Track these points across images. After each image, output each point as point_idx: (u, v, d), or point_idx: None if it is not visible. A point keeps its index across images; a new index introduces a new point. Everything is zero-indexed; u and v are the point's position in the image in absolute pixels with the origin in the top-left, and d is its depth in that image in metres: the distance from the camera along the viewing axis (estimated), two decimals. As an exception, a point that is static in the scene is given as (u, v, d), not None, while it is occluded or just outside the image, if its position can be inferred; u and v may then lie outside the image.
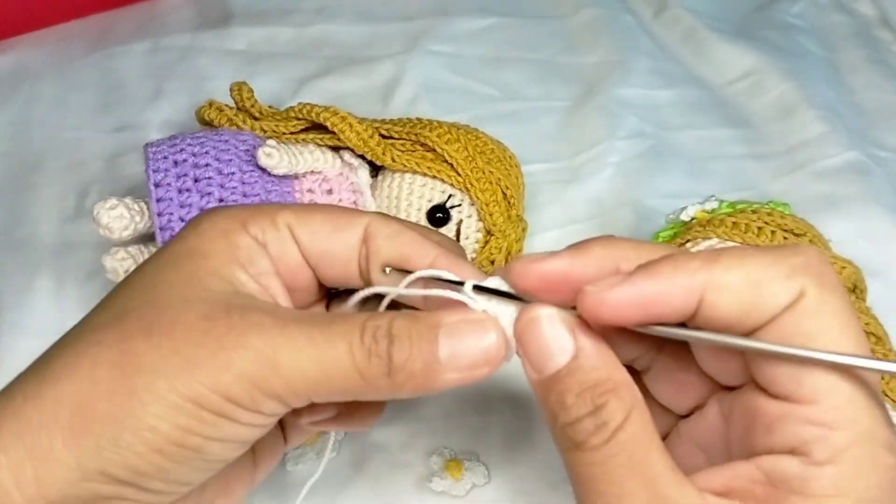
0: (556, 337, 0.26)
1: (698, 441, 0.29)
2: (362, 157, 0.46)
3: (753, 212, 0.42)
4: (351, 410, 0.32)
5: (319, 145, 0.46)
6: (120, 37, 0.66)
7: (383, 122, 0.47)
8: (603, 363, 0.26)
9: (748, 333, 0.25)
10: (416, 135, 0.45)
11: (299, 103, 0.46)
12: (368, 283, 0.31)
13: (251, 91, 0.48)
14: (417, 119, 0.48)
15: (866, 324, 0.41)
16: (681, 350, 0.29)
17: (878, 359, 0.23)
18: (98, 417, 0.25)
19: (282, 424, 0.33)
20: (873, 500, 0.23)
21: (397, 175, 0.46)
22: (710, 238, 0.42)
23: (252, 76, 0.60)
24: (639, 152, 0.57)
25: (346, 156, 0.46)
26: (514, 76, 0.63)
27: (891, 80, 0.63)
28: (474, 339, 0.27)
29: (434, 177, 0.45)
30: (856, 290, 0.42)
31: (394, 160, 0.45)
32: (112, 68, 0.63)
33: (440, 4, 0.69)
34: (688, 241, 0.43)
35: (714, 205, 0.44)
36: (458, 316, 0.28)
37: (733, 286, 0.24)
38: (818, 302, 0.24)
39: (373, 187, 0.46)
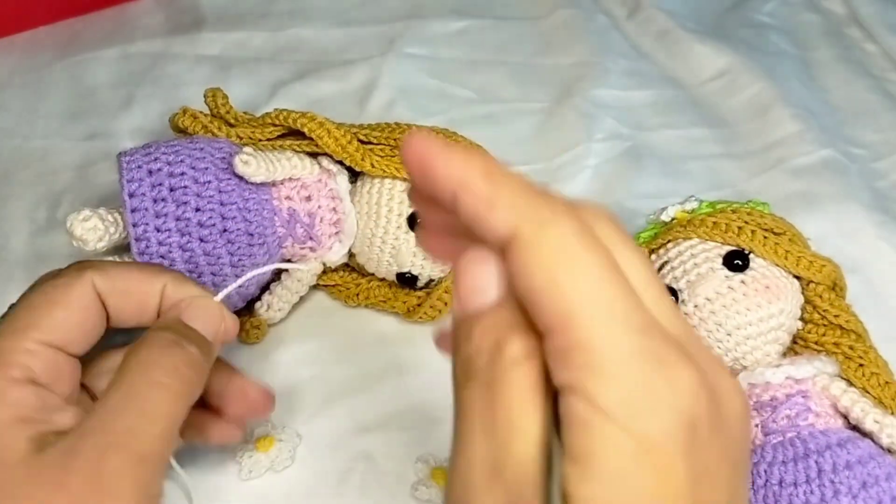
0: (488, 280, 0.24)
1: None
2: (341, 162, 0.45)
3: (733, 211, 0.42)
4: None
5: (297, 151, 0.45)
6: (89, 43, 0.65)
7: (361, 127, 0.47)
8: (516, 315, 0.24)
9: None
10: (395, 140, 0.45)
11: (275, 109, 0.46)
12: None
13: (226, 97, 0.47)
14: (396, 124, 0.47)
15: (846, 321, 0.41)
16: None
17: None
18: None
19: None
20: (638, 409, 0.21)
21: (377, 181, 0.45)
22: (690, 238, 0.42)
23: (226, 82, 0.60)
24: (616, 154, 0.57)
25: (325, 162, 0.45)
26: (490, 78, 0.63)
27: (862, 77, 0.63)
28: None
29: (414, 182, 0.45)
30: (835, 288, 0.42)
31: (373, 166, 0.44)
32: (82, 75, 0.62)
33: (414, 7, 0.69)
34: (669, 241, 0.43)
35: (694, 205, 0.44)
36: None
37: (480, 193, 0.23)
38: (527, 246, 0.23)
39: (352, 193, 0.46)
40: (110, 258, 0.43)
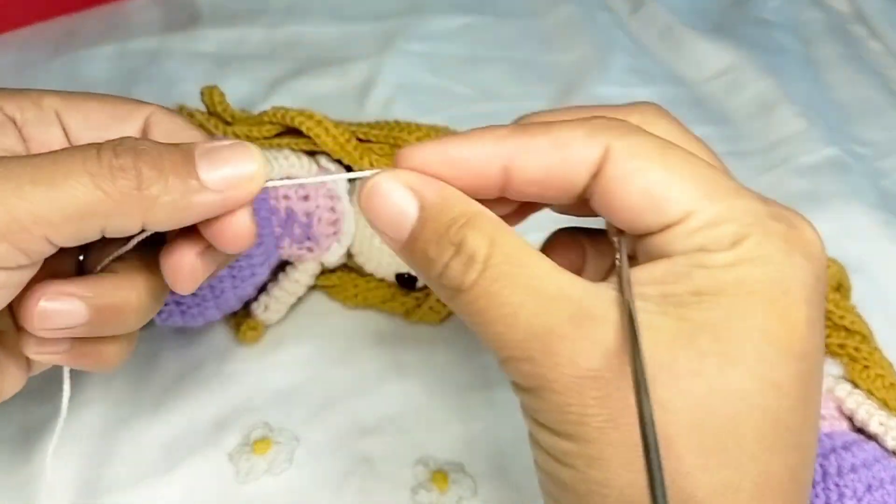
0: (398, 198, 0.26)
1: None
2: (339, 161, 0.45)
3: (737, 211, 0.42)
4: (86, 344, 0.29)
5: (294, 150, 0.45)
6: (85, 40, 0.64)
7: (360, 125, 0.46)
8: (450, 204, 0.26)
9: (574, 194, 0.26)
10: (394, 138, 0.45)
11: (273, 107, 0.45)
12: None
13: (222, 95, 0.47)
14: (395, 122, 0.47)
15: (851, 322, 0.40)
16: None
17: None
18: None
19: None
20: (778, 260, 0.24)
21: (375, 180, 0.45)
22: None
23: (222, 79, 0.59)
24: (619, 151, 0.56)
25: (323, 160, 0.45)
26: (491, 75, 0.63)
27: (867, 75, 0.63)
28: (236, 155, 0.26)
29: (413, 181, 0.44)
30: (840, 288, 0.42)
31: (372, 165, 0.44)
32: (77, 73, 0.62)
33: (414, 3, 0.69)
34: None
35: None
36: (215, 142, 0.27)
37: (539, 148, 0.25)
38: (626, 147, 0.25)
39: (350, 193, 0.45)
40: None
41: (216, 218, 0.27)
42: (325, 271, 0.46)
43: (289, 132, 0.45)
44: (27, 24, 0.65)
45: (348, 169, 0.46)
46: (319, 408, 0.42)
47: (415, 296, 0.46)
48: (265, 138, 0.45)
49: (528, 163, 0.25)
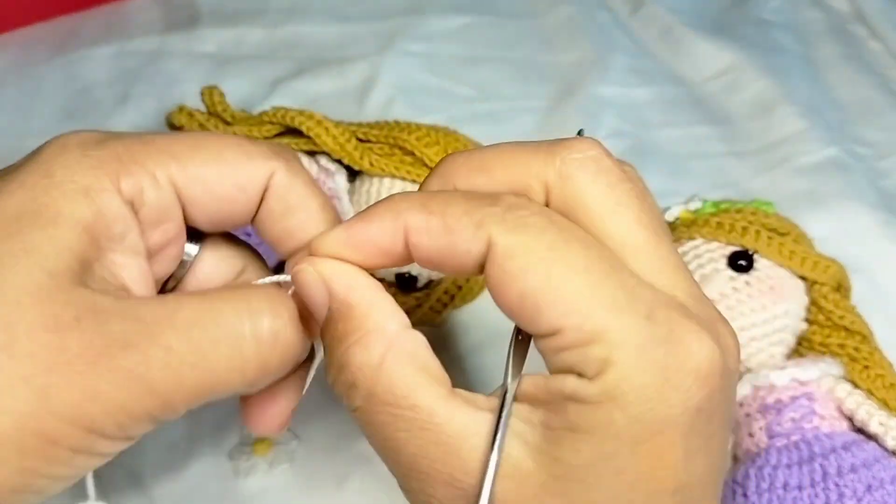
0: (315, 292, 0.25)
1: None
2: (339, 161, 0.45)
3: (737, 211, 0.42)
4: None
5: (295, 150, 0.45)
6: (84, 40, 0.64)
7: (360, 125, 0.47)
8: (349, 312, 0.24)
9: (470, 275, 0.26)
10: (394, 138, 0.45)
11: (273, 107, 0.45)
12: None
13: (222, 95, 0.47)
14: (395, 122, 0.47)
15: (851, 322, 0.40)
16: None
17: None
18: None
19: None
20: (646, 396, 0.22)
21: (375, 180, 0.45)
22: (694, 238, 0.42)
23: (222, 79, 0.59)
24: (619, 151, 0.55)
25: (323, 160, 0.45)
26: (491, 76, 0.63)
27: (867, 75, 0.63)
28: None
29: (413, 181, 0.44)
30: (840, 288, 0.42)
31: (372, 164, 0.44)
32: (77, 73, 0.62)
33: (413, 3, 0.68)
34: (672, 241, 0.42)
35: (698, 204, 0.43)
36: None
37: (431, 231, 0.24)
38: (507, 246, 0.22)
39: (350, 192, 0.45)
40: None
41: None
42: (325, 271, 0.46)
43: (289, 132, 0.45)
44: (27, 24, 0.65)
45: (348, 168, 0.46)
46: (319, 407, 0.42)
47: (415, 296, 0.46)
48: (265, 138, 0.45)
49: (421, 243, 0.24)
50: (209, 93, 0.47)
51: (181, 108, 0.47)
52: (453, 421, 0.23)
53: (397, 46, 0.64)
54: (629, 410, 0.21)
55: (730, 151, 0.57)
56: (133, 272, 0.25)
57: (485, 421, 0.23)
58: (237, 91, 0.58)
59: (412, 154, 0.45)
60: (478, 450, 0.22)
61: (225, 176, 0.26)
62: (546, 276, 0.22)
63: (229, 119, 0.46)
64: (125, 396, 0.22)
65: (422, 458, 0.23)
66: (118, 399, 0.22)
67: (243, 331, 0.24)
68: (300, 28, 0.66)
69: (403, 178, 0.44)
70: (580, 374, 0.22)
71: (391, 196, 0.25)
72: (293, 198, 0.27)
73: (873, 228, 0.50)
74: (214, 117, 0.46)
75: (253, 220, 0.28)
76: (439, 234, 0.24)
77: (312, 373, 0.30)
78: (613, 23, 0.67)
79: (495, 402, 0.24)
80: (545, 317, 0.22)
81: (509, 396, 0.23)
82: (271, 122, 0.45)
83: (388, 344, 0.23)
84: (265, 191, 0.27)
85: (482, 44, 0.65)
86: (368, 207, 0.25)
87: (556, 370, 0.23)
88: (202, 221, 0.27)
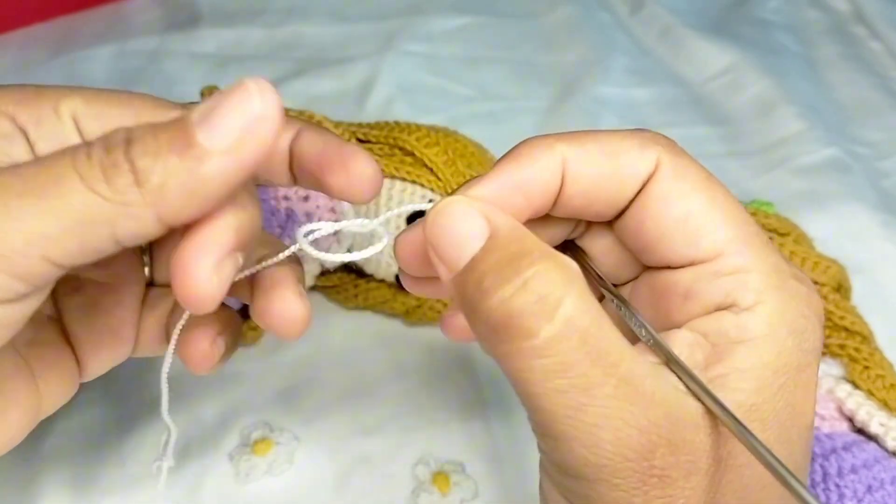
0: (469, 222, 0.23)
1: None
2: (339, 162, 0.45)
3: (738, 212, 0.42)
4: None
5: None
6: (85, 40, 0.64)
7: (360, 125, 0.46)
8: (522, 236, 0.23)
9: (617, 209, 0.25)
10: (394, 139, 0.44)
11: (273, 108, 0.45)
12: None
13: (222, 95, 0.47)
14: (395, 122, 0.47)
15: (851, 323, 0.40)
16: (604, 228, 0.27)
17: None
18: None
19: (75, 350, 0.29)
20: (799, 328, 0.23)
21: (375, 180, 0.45)
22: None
23: (222, 79, 0.59)
24: (619, 152, 0.56)
25: (323, 161, 0.45)
26: (491, 76, 0.63)
27: (867, 75, 0.63)
28: (232, 104, 0.21)
29: (413, 181, 0.44)
30: (840, 288, 0.42)
31: (371, 165, 0.44)
32: (77, 73, 0.62)
33: (413, 3, 0.68)
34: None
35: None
36: (210, 100, 0.22)
37: (592, 157, 0.24)
38: (674, 166, 0.24)
39: (350, 193, 0.45)
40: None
41: (264, 302, 0.27)
42: (325, 272, 0.46)
43: (289, 132, 0.45)
44: (27, 24, 0.65)
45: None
46: (320, 408, 0.42)
47: (415, 296, 0.46)
48: (265, 139, 0.45)
49: (580, 171, 0.24)
50: (209, 93, 0.47)
51: (181, 109, 0.46)
52: (649, 374, 0.22)
53: (397, 46, 0.64)
54: (791, 340, 0.23)
55: (730, 152, 0.57)
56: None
57: (666, 372, 0.23)
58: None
59: (412, 154, 0.44)
60: (696, 421, 0.22)
61: (126, 116, 0.25)
62: (712, 199, 0.23)
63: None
64: None
65: (629, 444, 0.21)
66: None
67: (81, 157, 0.21)
68: (300, 28, 0.66)
69: (403, 179, 0.44)
70: (734, 304, 0.23)
71: (532, 139, 0.25)
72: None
73: (873, 229, 0.50)
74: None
75: None
76: (601, 159, 0.24)
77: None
78: (613, 23, 0.67)
79: (648, 355, 0.23)
80: (709, 238, 0.23)
81: (674, 353, 0.23)
82: (271, 123, 0.45)
83: (572, 268, 0.22)
84: None
85: (482, 44, 0.65)
86: (509, 152, 0.25)
87: (703, 300, 0.23)
88: None
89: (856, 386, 0.39)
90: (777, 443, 0.23)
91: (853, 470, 0.35)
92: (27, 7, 0.65)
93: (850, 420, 0.38)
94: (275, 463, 0.40)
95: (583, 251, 0.28)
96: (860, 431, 0.38)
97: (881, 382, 0.39)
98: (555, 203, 0.25)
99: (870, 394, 0.39)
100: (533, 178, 0.24)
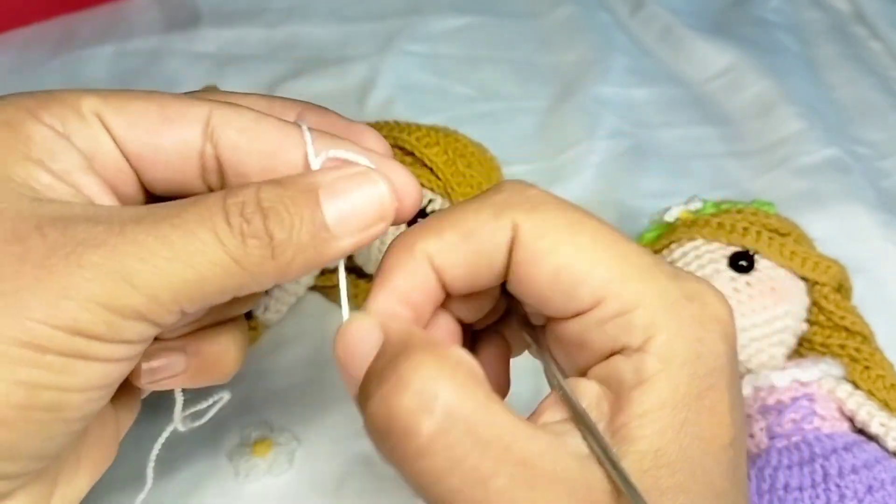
0: (365, 337, 0.22)
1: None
2: (339, 162, 0.45)
3: (738, 212, 0.42)
4: (203, 363, 0.28)
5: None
6: (84, 40, 0.64)
7: (360, 125, 0.46)
8: (409, 336, 0.22)
9: (499, 278, 0.24)
10: (394, 138, 0.44)
11: (273, 108, 0.45)
12: (216, 188, 0.26)
13: (222, 95, 0.47)
14: (395, 122, 0.47)
15: (852, 323, 0.40)
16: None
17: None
18: None
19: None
20: (692, 355, 0.22)
21: (375, 180, 0.45)
22: (695, 239, 0.41)
23: (222, 79, 0.59)
24: (619, 152, 0.56)
25: (323, 161, 0.45)
26: (491, 76, 0.63)
27: (867, 75, 0.63)
28: (362, 194, 0.24)
29: (413, 182, 0.44)
30: (841, 289, 0.42)
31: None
32: (77, 73, 0.62)
33: (413, 3, 0.68)
34: (672, 242, 0.42)
35: (698, 205, 0.43)
36: (336, 172, 0.24)
37: (452, 246, 0.23)
38: (532, 226, 0.23)
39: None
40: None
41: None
42: (325, 272, 0.46)
43: (289, 132, 0.45)
44: (27, 24, 0.65)
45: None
46: (320, 408, 0.42)
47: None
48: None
49: (448, 262, 0.24)
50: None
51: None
52: (544, 448, 0.21)
53: (397, 46, 0.64)
54: (686, 370, 0.22)
55: (730, 152, 0.57)
56: (93, 186, 0.24)
57: (568, 436, 0.22)
58: (237, 91, 0.58)
59: (412, 154, 0.44)
60: (583, 471, 0.21)
61: (151, 109, 0.25)
62: (577, 249, 0.23)
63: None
64: (102, 291, 0.21)
65: (518, 495, 0.20)
66: (95, 294, 0.21)
67: (219, 221, 0.22)
68: (300, 28, 0.66)
69: (403, 179, 0.44)
70: (624, 347, 0.22)
71: (393, 244, 0.24)
72: (241, 129, 0.25)
73: (874, 229, 0.50)
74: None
75: (211, 179, 0.26)
76: (462, 245, 0.23)
77: None
78: (613, 23, 0.67)
79: (553, 412, 0.23)
80: (586, 288, 0.22)
81: (583, 408, 0.22)
82: (271, 123, 0.45)
83: (457, 360, 0.21)
84: (210, 133, 0.25)
85: (482, 44, 0.65)
86: (381, 263, 0.24)
87: (595, 348, 0.23)
88: (140, 162, 0.25)
89: (856, 386, 0.39)
90: (691, 481, 0.21)
91: (854, 470, 0.35)
92: (27, 7, 0.65)
93: (851, 420, 0.38)
94: (275, 463, 0.40)
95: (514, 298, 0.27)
96: (861, 432, 0.38)
97: (882, 383, 0.39)
98: (446, 290, 0.24)
99: (870, 394, 0.39)
100: (409, 287, 0.24)
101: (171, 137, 0.25)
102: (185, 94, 0.26)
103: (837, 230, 0.49)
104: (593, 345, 0.23)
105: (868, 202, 0.52)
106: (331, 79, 0.61)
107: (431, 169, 0.44)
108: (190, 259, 0.22)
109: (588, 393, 0.23)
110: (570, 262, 0.22)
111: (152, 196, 0.26)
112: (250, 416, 0.41)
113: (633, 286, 0.22)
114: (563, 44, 0.65)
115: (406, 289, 0.24)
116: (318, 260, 0.23)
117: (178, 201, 0.23)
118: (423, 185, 0.44)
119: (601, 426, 0.22)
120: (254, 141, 0.25)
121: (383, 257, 0.24)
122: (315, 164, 0.25)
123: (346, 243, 0.24)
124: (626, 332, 0.22)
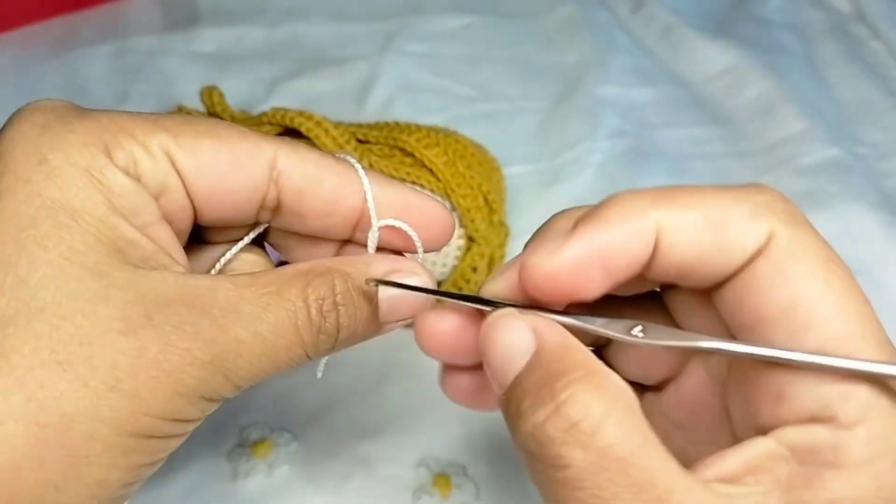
0: (515, 337, 0.22)
1: (673, 417, 0.25)
2: (339, 162, 0.45)
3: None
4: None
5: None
6: (84, 39, 0.64)
7: (360, 126, 0.46)
8: (568, 353, 0.21)
9: (714, 282, 0.21)
10: (393, 139, 0.44)
11: (272, 108, 0.45)
12: (264, 221, 0.27)
13: (222, 95, 0.47)
14: (395, 123, 0.47)
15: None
16: (648, 312, 0.25)
17: None
18: (27, 490, 0.20)
19: None
20: None
21: (375, 180, 0.44)
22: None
23: (222, 79, 0.59)
24: (620, 152, 0.56)
25: (322, 161, 0.45)
26: (492, 76, 0.63)
27: (868, 75, 0.63)
28: (412, 303, 0.27)
29: (413, 182, 0.44)
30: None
31: (371, 166, 0.44)
32: (76, 72, 0.61)
33: (413, 3, 0.68)
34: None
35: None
36: (389, 265, 0.26)
37: (692, 227, 0.21)
38: (791, 243, 0.21)
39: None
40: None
41: None
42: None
43: (288, 133, 0.45)
44: (27, 24, 0.65)
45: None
46: (319, 409, 0.42)
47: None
48: (265, 139, 0.45)
49: (677, 243, 0.21)
50: (208, 93, 0.46)
51: (180, 108, 0.46)
52: (690, 497, 0.19)
53: (397, 46, 0.64)
54: (892, 475, 0.19)
55: (731, 152, 0.57)
56: (167, 238, 0.25)
57: (738, 500, 0.19)
58: (237, 91, 0.58)
59: (412, 155, 0.44)
60: None
61: (221, 151, 0.25)
62: (827, 286, 0.20)
63: (229, 119, 0.46)
64: (206, 387, 0.23)
65: None
66: (200, 390, 0.23)
67: (302, 316, 0.24)
68: (300, 28, 0.66)
69: (403, 180, 0.44)
70: (832, 419, 0.19)
71: (619, 195, 0.22)
72: (306, 176, 0.26)
73: (875, 229, 0.50)
74: (213, 117, 0.46)
75: (264, 215, 0.27)
76: (705, 231, 0.21)
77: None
78: (613, 23, 0.67)
79: (722, 467, 0.20)
80: (818, 334, 0.20)
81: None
82: (270, 123, 0.45)
83: (617, 389, 0.20)
84: (275, 178, 0.25)
85: (482, 44, 0.65)
86: (594, 210, 0.22)
87: (796, 408, 0.20)
88: (204, 203, 0.25)
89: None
90: None
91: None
92: (27, 7, 0.64)
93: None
94: (274, 464, 0.40)
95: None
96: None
97: (882, 384, 0.39)
98: (641, 271, 0.22)
99: None
100: (619, 247, 0.21)
101: (239, 183, 0.25)
102: (251, 129, 0.26)
103: (838, 230, 0.49)
104: (796, 402, 0.20)
105: (869, 202, 0.52)
106: (331, 79, 0.61)
107: (431, 170, 0.44)
108: (276, 355, 0.24)
109: (761, 451, 0.20)
110: (813, 299, 0.20)
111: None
112: (249, 417, 0.41)
113: (867, 356, 0.20)
114: (564, 44, 0.65)
115: (614, 249, 0.21)
116: (360, 341, 0.27)
117: (261, 284, 0.24)
118: (423, 186, 0.44)
119: (775, 495, 0.19)
120: (316, 188, 0.26)
121: (598, 207, 0.22)
122: (374, 231, 0.27)
123: (385, 329, 0.27)
124: (842, 402, 0.19)
